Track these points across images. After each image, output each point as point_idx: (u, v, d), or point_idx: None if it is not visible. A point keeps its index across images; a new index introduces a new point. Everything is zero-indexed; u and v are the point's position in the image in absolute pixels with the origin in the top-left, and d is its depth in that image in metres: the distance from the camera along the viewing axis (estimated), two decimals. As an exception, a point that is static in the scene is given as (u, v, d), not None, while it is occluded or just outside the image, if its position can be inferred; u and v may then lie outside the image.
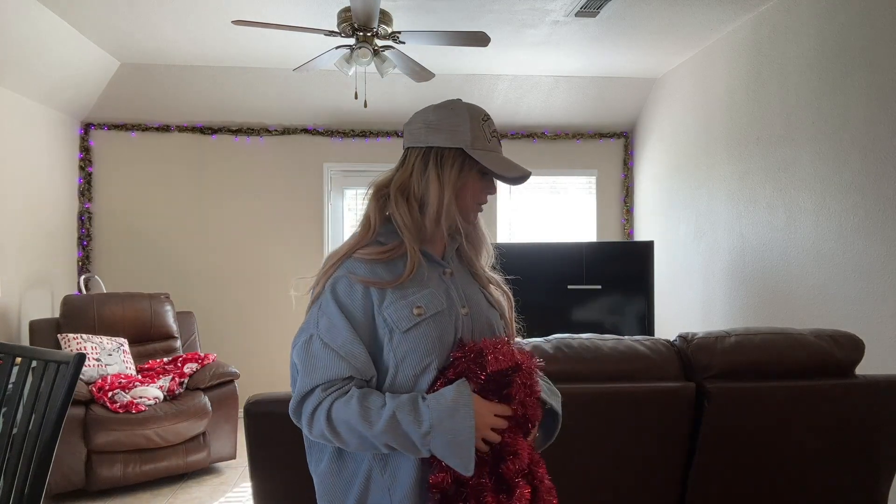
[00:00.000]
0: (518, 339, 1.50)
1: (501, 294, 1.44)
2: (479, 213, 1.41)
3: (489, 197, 1.39)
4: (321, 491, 1.30)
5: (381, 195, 1.33)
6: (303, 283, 1.34)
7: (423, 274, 1.29)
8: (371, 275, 1.26)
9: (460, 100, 1.36)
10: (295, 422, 1.26)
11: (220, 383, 4.10)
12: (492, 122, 1.36)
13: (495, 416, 1.20)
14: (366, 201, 1.35)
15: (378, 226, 1.32)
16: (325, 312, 1.24)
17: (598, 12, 3.92)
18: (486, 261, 1.43)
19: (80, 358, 1.73)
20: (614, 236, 5.95)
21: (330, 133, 5.59)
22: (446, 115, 1.32)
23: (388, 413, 1.16)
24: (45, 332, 4.18)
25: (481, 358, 1.22)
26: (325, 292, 1.25)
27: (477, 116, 1.32)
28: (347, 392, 1.20)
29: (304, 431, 1.25)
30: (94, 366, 3.97)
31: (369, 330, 1.25)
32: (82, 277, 5.14)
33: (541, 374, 1.39)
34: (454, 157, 1.30)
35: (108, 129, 5.37)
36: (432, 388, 1.23)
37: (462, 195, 1.32)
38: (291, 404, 1.24)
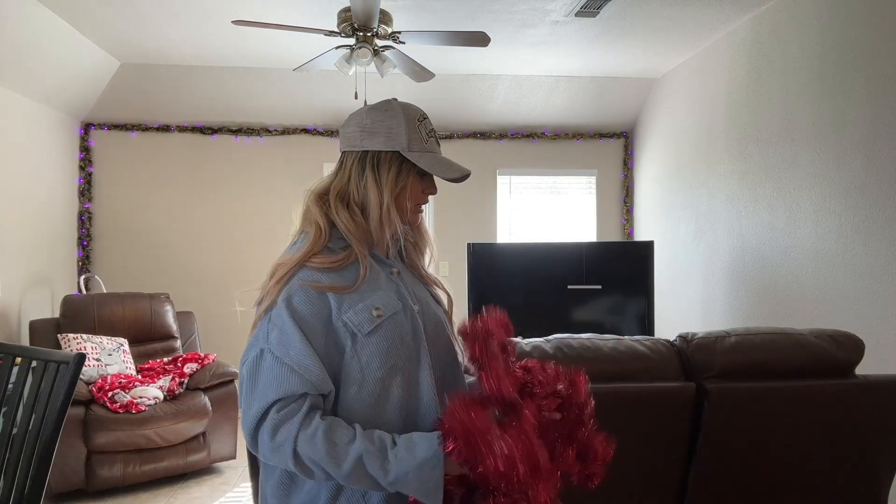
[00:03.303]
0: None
1: (443, 293, 1.43)
2: (421, 214, 1.40)
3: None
4: None
5: (323, 202, 1.31)
6: (248, 297, 1.29)
7: (376, 277, 1.27)
8: (328, 281, 1.22)
9: (395, 100, 1.33)
10: (251, 449, 1.17)
11: (220, 383, 4.10)
12: (429, 122, 1.33)
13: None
14: (308, 207, 1.32)
15: (328, 232, 1.28)
16: (276, 324, 1.18)
17: (598, 12, 3.92)
18: (429, 261, 1.43)
19: (80, 358, 1.73)
20: (614, 236, 5.95)
21: (330, 133, 5.59)
22: (381, 118, 1.29)
23: (356, 455, 1.11)
24: (45, 332, 4.18)
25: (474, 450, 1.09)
26: (279, 303, 1.19)
27: (413, 117, 1.30)
28: (310, 419, 1.13)
29: (265, 458, 1.17)
30: (94, 366, 3.97)
31: (328, 339, 1.20)
32: (82, 277, 5.14)
33: None
34: (391, 161, 1.28)
35: (108, 129, 5.37)
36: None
37: (401, 198, 1.30)
38: (247, 428, 1.15)
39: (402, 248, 1.39)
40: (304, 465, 1.12)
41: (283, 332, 1.16)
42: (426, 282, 1.40)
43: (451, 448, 1.08)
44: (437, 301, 1.38)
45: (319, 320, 1.19)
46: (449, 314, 1.40)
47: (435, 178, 1.34)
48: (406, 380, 1.23)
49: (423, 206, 1.37)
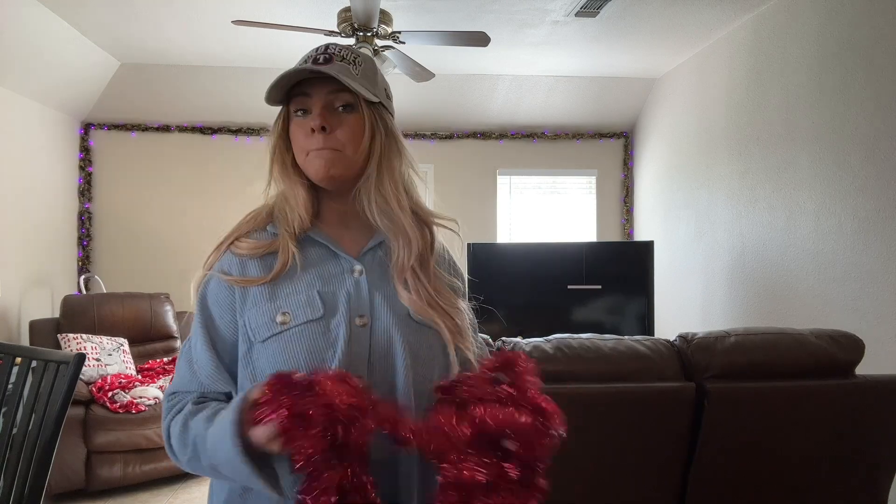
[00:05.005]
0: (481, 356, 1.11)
1: (445, 311, 1.06)
2: (394, 169, 1.06)
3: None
4: None
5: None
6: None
7: (298, 274, 1.03)
8: (239, 271, 1.04)
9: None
10: None
11: (220, 383, 4.09)
12: (323, 45, 1.06)
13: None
14: None
15: (270, 211, 1.12)
16: (195, 311, 1.08)
17: (598, 12, 3.92)
18: (407, 258, 1.05)
19: (80, 358, 1.73)
20: (614, 236, 5.95)
21: (330, 133, 5.59)
22: None
23: (197, 430, 0.96)
24: (45, 332, 4.18)
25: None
26: (200, 290, 1.07)
27: (306, 56, 1.07)
28: (184, 405, 1.02)
29: None
30: (94, 366, 3.97)
31: (237, 336, 1.04)
32: (82, 277, 5.14)
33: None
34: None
35: (108, 129, 5.37)
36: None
37: (293, 148, 1.06)
38: None
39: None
40: (172, 448, 1.02)
41: (194, 321, 1.07)
42: (400, 294, 1.05)
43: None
44: (413, 317, 1.04)
45: (227, 315, 1.04)
46: (449, 332, 1.06)
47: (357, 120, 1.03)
48: None
49: (317, 150, 1.02)
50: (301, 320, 1.00)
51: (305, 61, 1.04)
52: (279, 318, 1.00)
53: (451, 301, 1.08)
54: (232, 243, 1.08)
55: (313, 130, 1.01)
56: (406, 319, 1.03)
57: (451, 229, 1.13)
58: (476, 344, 1.11)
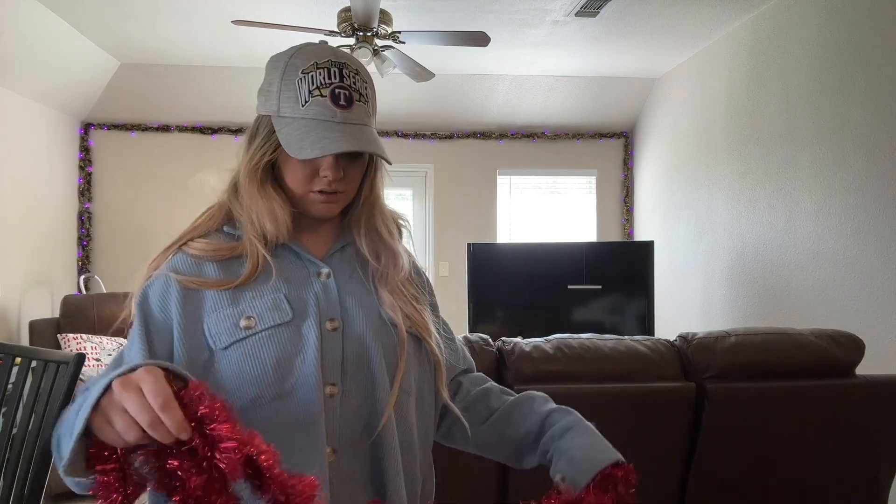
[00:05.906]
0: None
1: (417, 311, 1.03)
2: (380, 197, 1.06)
3: (389, 183, 1.04)
4: None
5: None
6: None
7: (272, 275, 0.96)
8: (194, 270, 0.96)
9: (304, 43, 0.99)
10: None
11: (220, 383, 4.09)
12: (332, 69, 0.94)
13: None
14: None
15: (227, 212, 1.06)
16: (134, 320, 0.96)
17: (598, 12, 3.92)
18: (392, 263, 1.04)
19: (80, 358, 1.73)
20: (614, 236, 5.95)
21: (330, 133, 5.59)
22: (269, 70, 0.98)
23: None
24: (45, 332, 4.18)
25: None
26: (141, 290, 0.97)
27: (298, 66, 0.94)
28: None
29: None
30: (94, 366, 3.97)
31: (189, 347, 0.92)
32: (82, 277, 5.14)
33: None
34: (262, 128, 0.98)
35: (108, 129, 5.37)
36: None
37: (287, 178, 0.98)
38: None
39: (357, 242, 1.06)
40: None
41: (132, 332, 0.96)
42: (383, 292, 1.02)
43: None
44: (386, 320, 1.00)
45: (177, 322, 0.93)
46: (430, 339, 1.04)
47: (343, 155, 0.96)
48: (278, 413, 0.90)
49: (323, 196, 0.98)
50: (268, 324, 0.93)
51: (320, 89, 0.93)
52: (243, 323, 0.92)
53: (416, 297, 1.06)
54: (185, 244, 1.01)
55: (324, 177, 0.96)
56: (380, 321, 0.99)
57: (404, 227, 1.11)
58: (452, 348, 1.10)
